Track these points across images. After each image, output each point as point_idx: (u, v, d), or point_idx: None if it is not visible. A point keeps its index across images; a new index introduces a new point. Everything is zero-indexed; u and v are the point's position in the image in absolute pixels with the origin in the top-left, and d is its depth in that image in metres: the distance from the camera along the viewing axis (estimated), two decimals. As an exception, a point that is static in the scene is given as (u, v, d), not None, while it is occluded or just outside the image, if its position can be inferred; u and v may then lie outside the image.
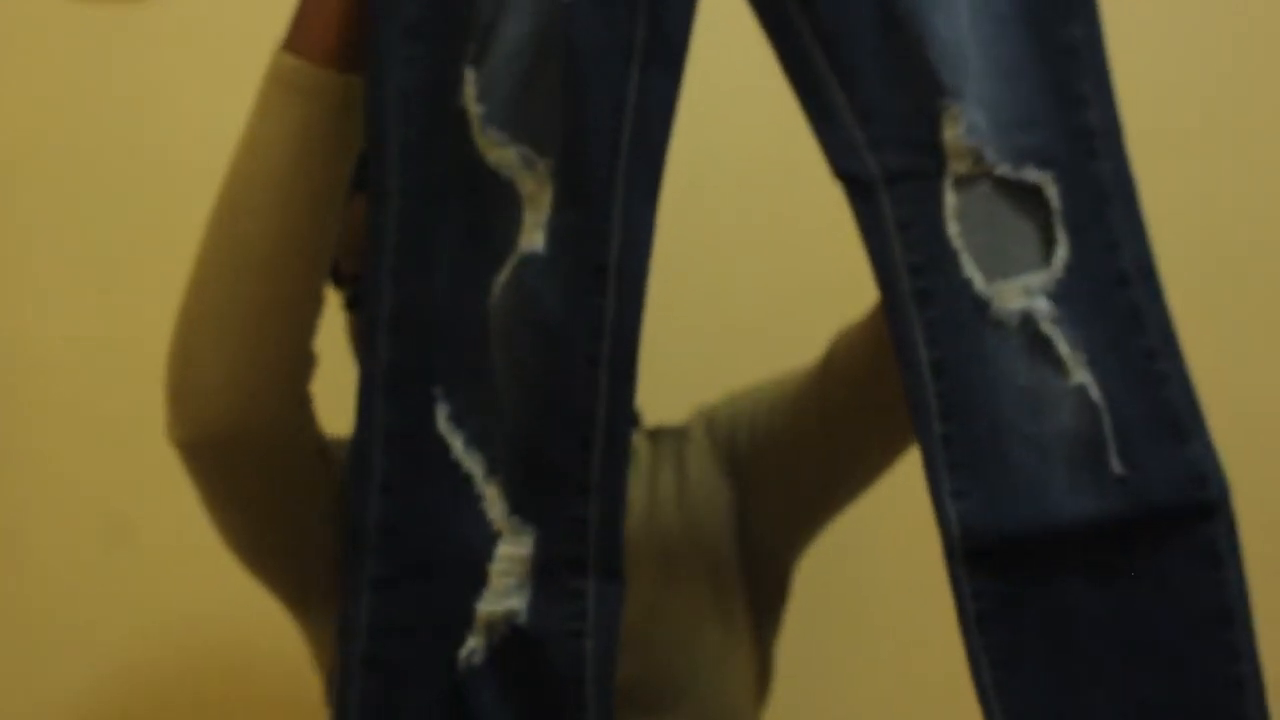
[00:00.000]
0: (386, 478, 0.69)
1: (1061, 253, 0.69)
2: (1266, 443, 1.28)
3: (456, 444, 0.69)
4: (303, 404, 0.79)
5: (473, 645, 0.68)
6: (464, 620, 0.68)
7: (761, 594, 0.97)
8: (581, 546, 0.68)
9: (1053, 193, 0.70)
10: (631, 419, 0.71)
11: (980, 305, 0.69)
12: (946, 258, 0.69)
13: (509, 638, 0.68)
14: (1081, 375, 0.69)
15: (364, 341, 0.70)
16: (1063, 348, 0.69)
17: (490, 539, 0.69)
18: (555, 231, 0.68)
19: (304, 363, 0.77)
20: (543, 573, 0.68)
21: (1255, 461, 1.28)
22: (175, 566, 1.25)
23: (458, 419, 0.69)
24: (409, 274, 0.70)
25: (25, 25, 1.28)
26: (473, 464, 0.69)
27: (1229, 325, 1.29)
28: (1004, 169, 0.69)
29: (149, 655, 1.27)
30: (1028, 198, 0.70)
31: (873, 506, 1.15)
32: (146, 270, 1.28)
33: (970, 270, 0.69)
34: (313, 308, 0.76)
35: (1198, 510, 0.68)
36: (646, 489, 0.95)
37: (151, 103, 1.28)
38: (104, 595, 1.28)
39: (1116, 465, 0.68)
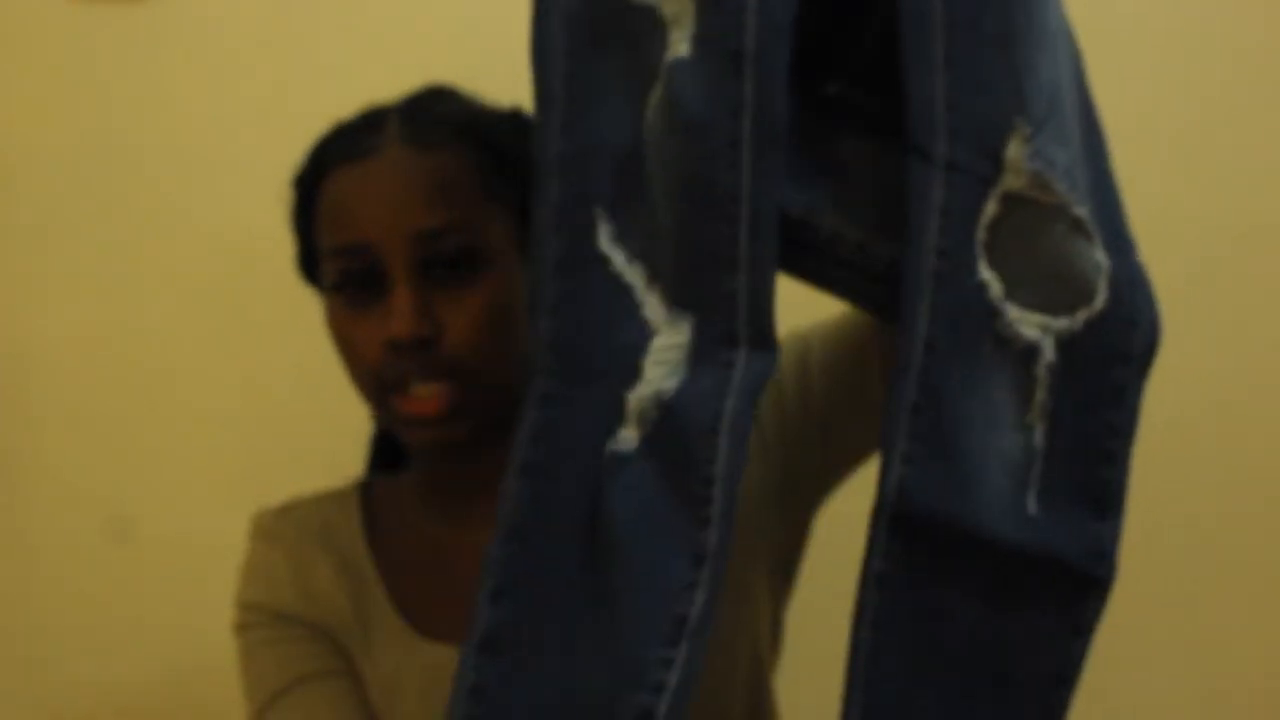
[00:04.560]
0: (555, 302, 0.74)
1: (1090, 309, 0.72)
2: (1266, 443, 1.29)
3: (618, 259, 0.74)
4: None
5: (624, 435, 0.72)
6: (617, 415, 0.72)
7: (782, 557, 0.96)
8: (732, 321, 0.72)
9: (1102, 255, 0.72)
10: (776, 196, 0.73)
11: (989, 311, 0.71)
12: (969, 255, 0.71)
13: (657, 420, 0.72)
14: (1038, 423, 0.72)
15: (537, 185, 0.75)
16: (1040, 394, 0.72)
17: (648, 339, 0.73)
18: (697, 37, 0.71)
19: None
20: (697, 354, 0.72)
21: (1257, 461, 1.29)
22: (176, 566, 1.26)
23: (619, 237, 0.74)
24: (574, 122, 0.74)
25: (25, 25, 1.28)
26: (634, 276, 0.73)
27: (1227, 325, 1.29)
28: (1079, 210, 0.72)
29: (149, 655, 1.27)
30: (1081, 247, 0.72)
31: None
32: (146, 270, 1.29)
33: (987, 275, 0.71)
34: None
35: (1083, 581, 0.72)
36: None
37: (151, 103, 1.28)
38: (105, 595, 1.28)
39: (1032, 505, 0.71)
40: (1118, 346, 0.73)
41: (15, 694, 1.28)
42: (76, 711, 1.28)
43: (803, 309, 1.01)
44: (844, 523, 1.05)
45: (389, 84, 0.95)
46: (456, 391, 0.83)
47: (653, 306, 0.73)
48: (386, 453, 1.05)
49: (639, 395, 0.71)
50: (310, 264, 0.93)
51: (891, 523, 0.70)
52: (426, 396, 0.83)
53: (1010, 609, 0.72)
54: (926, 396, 0.71)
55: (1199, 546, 1.27)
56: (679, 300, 0.72)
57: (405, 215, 0.83)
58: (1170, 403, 1.28)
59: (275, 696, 0.89)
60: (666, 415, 0.71)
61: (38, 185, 1.28)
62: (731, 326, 0.71)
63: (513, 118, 0.92)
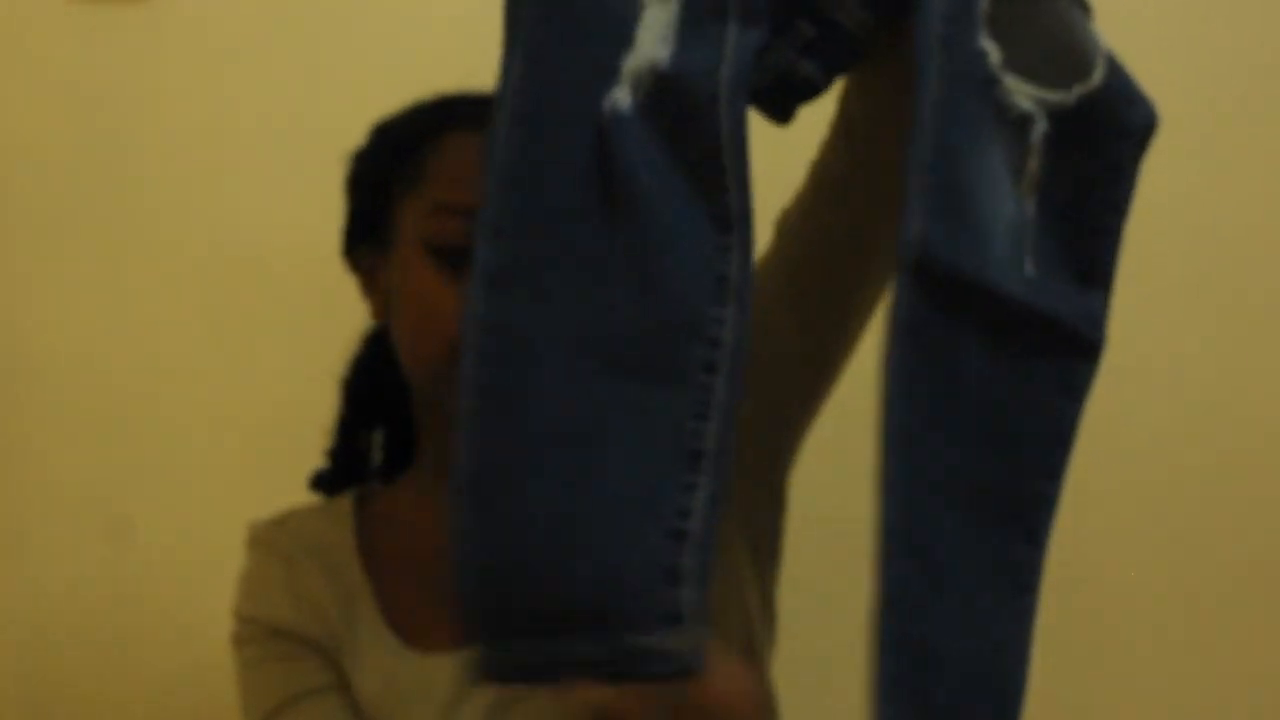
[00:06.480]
0: None
1: (1086, 85, 0.74)
2: (1266, 443, 1.28)
3: None
4: None
5: (617, 96, 0.71)
6: (611, 76, 0.72)
7: (759, 528, 0.95)
8: None
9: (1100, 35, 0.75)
10: None
11: (989, 79, 0.74)
12: (971, 23, 0.74)
13: (653, 87, 0.72)
14: (1029, 194, 0.75)
15: None
16: (1033, 164, 0.74)
17: (640, 11, 0.72)
18: None
19: None
20: (686, 24, 0.72)
21: (1257, 461, 1.29)
22: (176, 566, 1.26)
23: None
24: None
25: (25, 25, 1.28)
26: None
27: (1229, 325, 1.29)
28: None
29: (149, 655, 1.28)
30: (1080, 22, 0.75)
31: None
32: (146, 270, 1.29)
33: (987, 45, 0.74)
34: None
35: (1075, 342, 0.75)
36: None
37: (151, 103, 1.28)
38: (105, 595, 1.28)
39: (1029, 268, 0.74)
40: (1116, 123, 0.75)
41: (14, 694, 1.28)
42: (76, 711, 1.28)
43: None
44: (842, 524, 1.05)
45: (389, 84, 0.95)
46: None
47: None
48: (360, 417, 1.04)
49: (634, 61, 0.71)
50: (374, 216, 0.91)
51: (914, 274, 0.72)
52: None
53: (1014, 364, 0.74)
54: (940, 155, 0.73)
55: (1198, 546, 1.27)
56: None
57: None
58: (1170, 403, 1.28)
59: (268, 716, 0.90)
60: (663, 86, 0.71)
61: (38, 185, 1.29)
62: (722, 2, 0.72)
63: None
